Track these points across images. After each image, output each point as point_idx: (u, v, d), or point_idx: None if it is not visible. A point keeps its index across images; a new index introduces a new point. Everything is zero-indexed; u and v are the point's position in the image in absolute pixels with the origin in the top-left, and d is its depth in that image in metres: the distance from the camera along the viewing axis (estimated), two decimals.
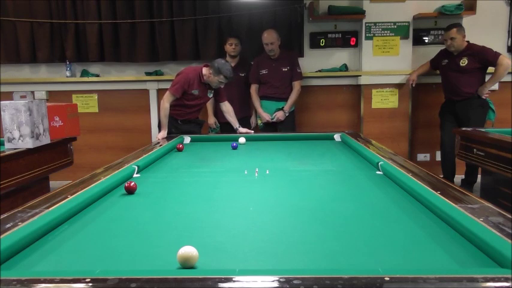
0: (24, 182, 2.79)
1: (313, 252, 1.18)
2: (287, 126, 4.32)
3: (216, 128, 4.45)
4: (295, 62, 4.37)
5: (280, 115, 4.27)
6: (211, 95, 3.87)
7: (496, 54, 3.98)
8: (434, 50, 4.51)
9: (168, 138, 3.31)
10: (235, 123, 3.89)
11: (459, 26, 4.08)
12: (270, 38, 4.21)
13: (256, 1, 4.59)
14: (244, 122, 4.50)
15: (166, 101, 3.67)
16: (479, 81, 4.09)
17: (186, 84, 3.66)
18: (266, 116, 4.30)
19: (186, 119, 3.85)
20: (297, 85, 4.34)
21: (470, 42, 4.12)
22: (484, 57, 4.01)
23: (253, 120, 4.55)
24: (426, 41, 4.75)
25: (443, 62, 4.24)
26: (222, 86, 3.75)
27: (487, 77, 4.11)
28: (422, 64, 4.52)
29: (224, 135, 3.46)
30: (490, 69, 4.07)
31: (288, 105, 4.29)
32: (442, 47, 4.40)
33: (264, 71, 4.33)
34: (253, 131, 3.86)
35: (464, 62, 4.06)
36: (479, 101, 4.10)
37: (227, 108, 3.93)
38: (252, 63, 4.46)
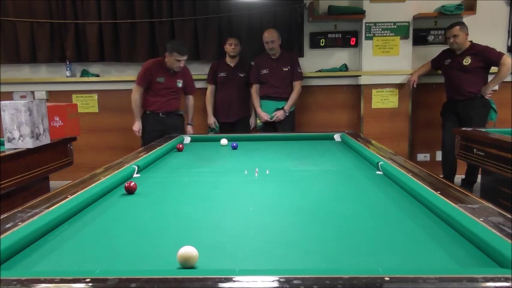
0: (24, 182, 2.78)
1: (313, 252, 1.18)
2: (287, 126, 4.32)
3: (215, 128, 4.45)
4: (296, 62, 4.38)
5: (280, 114, 4.27)
6: (180, 85, 4.03)
7: (500, 54, 3.99)
8: (434, 50, 4.51)
9: (168, 138, 3.31)
10: (190, 118, 4.19)
11: (462, 24, 4.09)
12: (270, 37, 4.22)
13: (256, 1, 4.59)
14: (244, 122, 4.51)
15: (134, 92, 3.91)
16: (482, 81, 4.09)
17: (147, 73, 3.86)
18: (265, 116, 4.30)
19: (166, 111, 3.97)
20: (297, 85, 4.34)
21: (473, 42, 4.13)
22: (487, 57, 4.01)
23: (252, 120, 4.55)
24: (426, 41, 4.75)
25: (445, 61, 4.24)
26: (182, 65, 3.88)
27: (490, 77, 4.11)
28: (423, 64, 4.52)
29: (224, 135, 3.45)
30: (493, 69, 4.07)
31: (288, 105, 4.29)
32: (442, 47, 4.40)
33: (264, 71, 4.33)
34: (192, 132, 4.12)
35: (467, 61, 4.06)
36: (482, 101, 4.10)
37: (189, 101, 4.22)
38: (253, 63, 4.47)
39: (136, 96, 3.91)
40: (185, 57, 3.88)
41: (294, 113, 4.47)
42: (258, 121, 4.42)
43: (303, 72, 4.45)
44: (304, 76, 4.60)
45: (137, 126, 3.95)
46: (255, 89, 4.40)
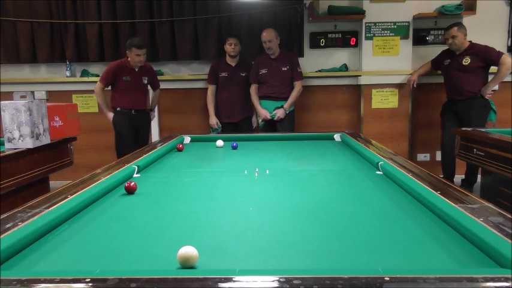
0: (24, 182, 2.78)
1: (313, 252, 1.18)
2: (287, 126, 4.31)
3: (217, 128, 4.44)
4: (295, 62, 4.37)
5: (280, 113, 4.26)
6: (145, 81, 4.24)
7: (499, 54, 3.98)
8: (434, 50, 4.51)
9: (168, 138, 3.31)
10: (153, 106, 4.48)
11: (460, 25, 4.08)
12: (268, 36, 4.22)
13: (256, 1, 4.59)
14: (248, 122, 4.51)
15: (96, 88, 4.13)
16: (482, 81, 4.09)
17: (110, 74, 4.08)
18: (264, 113, 4.28)
19: (138, 109, 4.20)
20: (298, 85, 4.33)
21: (472, 42, 4.13)
22: (486, 56, 4.01)
23: (254, 120, 4.55)
24: (426, 41, 4.75)
25: (445, 61, 4.24)
26: (142, 58, 4.07)
27: (490, 77, 4.11)
28: (423, 64, 4.52)
29: (224, 135, 3.46)
30: (493, 69, 4.07)
31: (288, 104, 4.28)
32: (442, 47, 4.40)
33: (263, 71, 4.33)
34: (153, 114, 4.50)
35: (467, 61, 4.06)
36: (482, 101, 4.09)
37: (156, 93, 4.47)
38: (253, 63, 4.47)
39: (99, 92, 4.13)
40: (144, 50, 4.07)
41: (294, 113, 4.47)
42: (259, 120, 4.41)
43: (302, 72, 4.45)
44: (304, 76, 4.59)
45: (109, 117, 4.19)
46: (254, 89, 4.39)
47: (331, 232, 1.34)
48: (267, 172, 2.22)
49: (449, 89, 4.25)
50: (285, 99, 4.30)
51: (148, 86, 4.37)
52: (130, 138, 4.17)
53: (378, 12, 4.54)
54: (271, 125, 4.35)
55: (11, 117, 2.70)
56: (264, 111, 4.30)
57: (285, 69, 4.31)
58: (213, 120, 4.45)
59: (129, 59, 4.09)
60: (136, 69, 4.14)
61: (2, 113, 2.70)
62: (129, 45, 4.03)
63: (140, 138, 4.26)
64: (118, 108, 4.16)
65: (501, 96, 4.55)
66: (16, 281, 0.90)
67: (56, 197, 1.58)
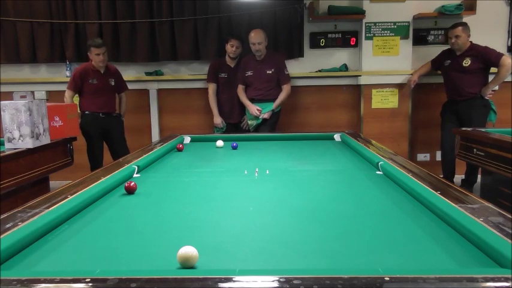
0: (24, 182, 2.79)
1: (313, 252, 1.18)
2: (268, 125, 4.23)
3: (222, 127, 4.42)
4: (282, 65, 4.29)
5: (267, 114, 4.21)
6: (113, 83, 4.18)
7: (499, 55, 3.97)
8: (434, 50, 4.51)
9: (168, 138, 3.32)
10: (122, 113, 4.35)
11: (465, 25, 4.07)
12: (257, 38, 4.13)
13: (256, 1, 4.59)
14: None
15: (66, 97, 4.07)
16: (482, 82, 4.09)
17: (77, 77, 4.04)
18: (255, 109, 4.18)
19: (106, 112, 4.11)
20: (285, 88, 4.27)
21: (473, 42, 4.12)
22: (486, 58, 4.01)
23: (245, 121, 4.50)
24: (426, 41, 4.75)
25: (445, 62, 4.23)
26: (102, 57, 4.02)
27: (491, 77, 4.10)
28: (423, 64, 4.52)
29: (224, 135, 3.46)
30: (494, 69, 4.07)
31: (275, 105, 4.22)
32: (442, 47, 4.40)
33: (249, 73, 4.26)
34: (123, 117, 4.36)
35: (467, 62, 4.05)
36: (482, 102, 4.09)
37: (123, 98, 4.38)
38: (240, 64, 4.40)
39: (69, 100, 4.06)
40: (103, 49, 4.00)
41: (279, 113, 4.37)
42: (251, 121, 4.32)
43: (302, 73, 4.42)
44: (304, 76, 4.58)
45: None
46: (241, 89, 4.32)
47: (331, 232, 1.34)
48: (267, 172, 2.22)
49: (449, 89, 4.25)
50: (271, 101, 4.22)
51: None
52: (99, 141, 4.12)
53: (378, 12, 4.54)
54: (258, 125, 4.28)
55: (11, 117, 2.70)
56: (254, 107, 4.19)
57: (270, 72, 4.21)
58: (218, 120, 4.40)
59: (92, 62, 4.04)
60: (102, 71, 4.09)
61: (2, 113, 2.70)
62: (88, 46, 4.01)
63: (115, 143, 4.18)
64: (86, 112, 4.08)
65: (501, 96, 4.55)
66: (16, 281, 0.90)
67: (56, 197, 1.58)
